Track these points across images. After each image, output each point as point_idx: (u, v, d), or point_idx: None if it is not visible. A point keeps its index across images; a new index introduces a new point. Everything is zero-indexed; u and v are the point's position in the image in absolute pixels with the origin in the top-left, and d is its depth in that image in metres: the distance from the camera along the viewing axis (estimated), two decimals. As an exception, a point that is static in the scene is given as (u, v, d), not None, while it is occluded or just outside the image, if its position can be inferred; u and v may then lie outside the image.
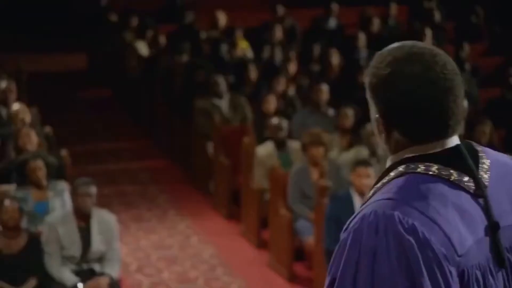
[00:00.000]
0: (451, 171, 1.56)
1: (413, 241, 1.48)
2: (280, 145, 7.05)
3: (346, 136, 7.09)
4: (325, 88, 7.77)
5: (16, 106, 7.10)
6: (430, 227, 1.50)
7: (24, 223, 5.45)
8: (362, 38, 9.94)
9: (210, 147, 8.10)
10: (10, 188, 5.86)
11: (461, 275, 1.52)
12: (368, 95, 1.67)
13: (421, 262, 1.47)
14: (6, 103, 7.37)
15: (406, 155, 1.60)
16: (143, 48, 11.13)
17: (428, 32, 9.87)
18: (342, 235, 1.57)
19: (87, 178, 5.48)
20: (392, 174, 1.59)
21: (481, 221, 1.56)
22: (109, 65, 12.30)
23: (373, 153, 6.47)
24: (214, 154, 7.95)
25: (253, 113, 8.16)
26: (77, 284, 5.20)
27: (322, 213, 5.70)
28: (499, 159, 1.67)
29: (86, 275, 5.27)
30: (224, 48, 10.18)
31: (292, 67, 9.07)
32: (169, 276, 6.43)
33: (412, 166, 1.57)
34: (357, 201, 5.60)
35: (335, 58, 9.19)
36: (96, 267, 5.34)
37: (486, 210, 1.56)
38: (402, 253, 1.47)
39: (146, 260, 6.75)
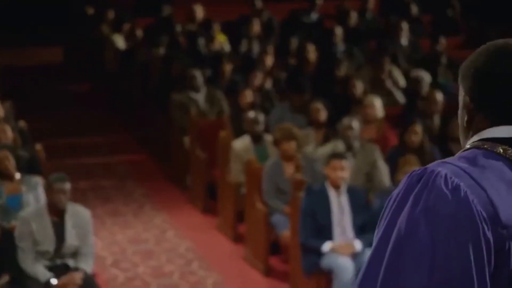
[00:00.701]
0: None
1: (450, 197, 1.45)
2: (257, 139, 7.05)
3: (320, 131, 7.09)
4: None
5: (-11, 101, 7.03)
6: (476, 191, 1.47)
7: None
8: (339, 32, 9.95)
9: (186, 141, 8.08)
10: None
11: (500, 247, 1.47)
12: (459, 77, 1.65)
13: (454, 217, 1.44)
14: (-21, 97, 7.30)
15: (477, 138, 1.60)
16: (120, 42, 11.08)
17: (405, 26, 9.90)
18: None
19: (61, 174, 5.44)
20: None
21: None
22: (86, 58, 12.23)
23: (349, 147, 6.49)
24: (191, 148, 7.93)
25: (230, 107, 8.15)
26: (50, 279, 5.16)
27: (297, 207, 5.71)
28: None
29: (60, 270, 5.24)
30: (201, 41, 10.15)
31: (269, 61, 9.06)
32: (145, 271, 6.42)
33: (480, 143, 1.58)
34: (332, 194, 5.61)
35: (312, 52, 9.19)
36: (70, 262, 5.30)
37: None
38: (432, 207, 1.45)
39: (122, 255, 6.73)
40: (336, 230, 5.55)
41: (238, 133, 7.37)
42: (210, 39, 10.24)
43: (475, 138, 1.60)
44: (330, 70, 8.68)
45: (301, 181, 5.91)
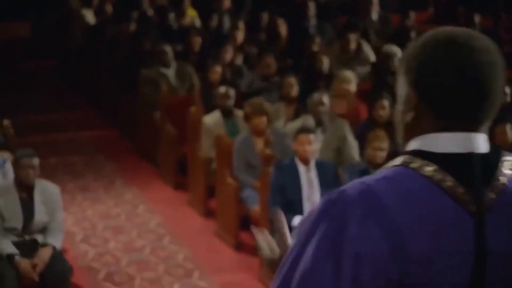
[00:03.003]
0: (448, 178, 1.42)
1: (357, 233, 1.38)
2: (227, 114, 7.04)
3: (291, 106, 7.11)
4: (272, 61, 7.75)
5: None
6: (385, 225, 1.39)
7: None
8: (312, 7, 9.94)
9: (156, 117, 8.05)
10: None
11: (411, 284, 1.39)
12: (401, 69, 1.51)
13: (358, 256, 1.38)
14: None
15: (414, 147, 1.47)
16: (89, 16, 10.97)
17: (375, 1, 9.92)
18: None
19: (29, 150, 5.39)
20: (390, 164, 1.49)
21: (460, 238, 1.41)
22: (54, 33, 12.09)
23: (319, 122, 6.51)
24: (161, 124, 7.90)
25: (200, 82, 8.13)
26: (14, 255, 5.12)
27: (267, 182, 5.73)
28: None
29: (28, 246, 5.21)
30: (171, 16, 10.08)
31: (240, 36, 9.04)
32: (116, 246, 6.41)
33: (409, 159, 1.45)
34: (301, 169, 5.64)
35: (283, 28, 9.18)
36: (39, 238, 5.28)
37: (478, 231, 1.41)
38: (338, 243, 1.40)
39: (92, 230, 6.72)
40: (306, 205, 5.58)
41: (208, 108, 7.35)
42: (181, 14, 10.17)
43: (413, 144, 1.47)
44: (301, 45, 8.68)
45: (270, 156, 5.93)
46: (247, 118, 6.44)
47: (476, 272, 1.41)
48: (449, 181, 1.41)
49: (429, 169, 1.42)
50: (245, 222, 6.46)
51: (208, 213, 6.96)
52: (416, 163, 1.43)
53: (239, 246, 6.37)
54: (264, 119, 6.34)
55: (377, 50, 8.69)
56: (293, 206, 5.53)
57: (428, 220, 1.40)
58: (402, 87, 1.50)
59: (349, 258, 1.38)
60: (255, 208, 6.16)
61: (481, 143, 1.46)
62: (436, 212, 1.40)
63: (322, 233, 1.40)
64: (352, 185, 1.44)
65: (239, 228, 6.42)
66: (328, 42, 9.41)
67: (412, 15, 9.62)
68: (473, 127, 1.46)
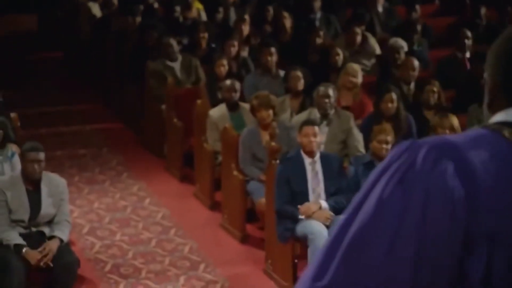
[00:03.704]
0: None
1: (427, 170, 1.35)
2: (233, 107, 7.06)
3: (297, 99, 7.12)
4: (273, 50, 7.76)
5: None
6: (461, 166, 1.36)
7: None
8: (318, 0, 9.94)
9: (163, 110, 8.07)
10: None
11: (474, 238, 1.35)
12: (488, 61, 1.56)
13: (427, 191, 1.34)
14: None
15: (494, 121, 1.50)
16: (95, 9, 10.99)
17: (381, -6, 9.91)
18: None
19: (36, 143, 5.42)
20: None
21: None
22: (61, 26, 12.12)
23: (324, 115, 6.52)
24: (167, 117, 7.92)
25: (206, 75, 8.14)
26: (23, 247, 5.15)
27: (273, 174, 5.75)
28: None
29: (35, 238, 5.25)
30: (177, 9, 10.09)
31: (246, 29, 9.04)
32: (122, 238, 6.44)
33: (490, 124, 1.48)
34: (307, 161, 5.65)
35: (288, 20, 9.18)
36: (46, 230, 5.31)
37: None
38: (408, 180, 1.35)
39: (99, 223, 6.75)
40: (311, 197, 5.60)
41: (214, 101, 7.37)
42: (187, 6, 10.18)
43: (492, 119, 1.51)
44: (307, 38, 8.68)
45: (276, 148, 5.94)
46: (253, 111, 6.46)
47: None
48: None
49: (506, 132, 1.43)
50: (251, 215, 6.49)
51: (214, 206, 6.98)
52: (495, 126, 1.45)
53: (245, 239, 6.40)
54: (270, 112, 6.35)
55: (382, 43, 8.69)
56: (299, 198, 5.55)
57: (508, 180, 1.38)
58: (486, 75, 1.55)
59: (418, 191, 1.35)
60: (261, 200, 6.18)
61: None
62: None
63: (392, 172, 1.37)
64: (426, 138, 1.44)
65: (245, 220, 6.45)
66: (334, 34, 9.41)
67: (418, 7, 9.61)
68: None
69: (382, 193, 1.36)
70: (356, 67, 7.47)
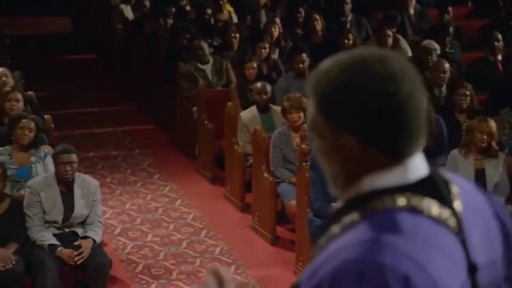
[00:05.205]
0: (430, 204, 1.37)
1: None
2: (264, 109, 7.08)
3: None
4: (305, 57, 7.75)
5: (-2, 70, 7.07)
6: (421, 276, 1.30)
7: (7, 189, 5.46)
8: (349, 2, 9.92)
9: (194, 112, 8.12)
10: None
11: None
12: (322, 111, 1.38)
13: None
14: (-12, 68, 7.33)
15: (374, 186, 1.38)
16: (128, 12, 11.08)
17: (413, -4, 9.87)
18: (309, 283, 1.34)
19: (68, 145, 5.47)
20: (357, 211, 1.38)
21: (462, 263, 1.38)
22: (94, 28, 12.24)
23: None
24: (199, 118, 7.97)
25: (237, 77, 8.17)
26: (58, 247, 5.22)
27: (303, 177, 5.76)
28: (465, 186, 1.48)
29: (68, 239, 5.31)
30: (209, 11, 10.14)
31: (276, 31, 9.06)
32: (153, 239, 6.50)
33: (389, 198, 1.37)
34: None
35: (319, 23, 9.18)
36: (79, 230, 5.37)
37: (465, 249, 1.37)
38: None
39: (131, 224, 6.81)
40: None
41: (245, 104, 7.40)
42: (218, 9, 10.23)
43: (364, 185, 1.38)
44: (337, 41, 8.67)
45: (307, 151, 5.95)
46: (284, 112, 6.47)
47: None
48: (433, 208, 1.36)
49: (413, 202, 1.36)
50: (282, 217, 6.50)
51: (245, 208, 7.01)
52: (399, 200, 1.36)
53: (276, 241, 6.42)
54: (301, 114, 6.36)
55: (414, 46, 8.65)
56: (332, 200, 5.56)
57: (443, 258, 1.35)
58: (326, 134, 1.40)
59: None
60: (292, 202, 6.19)
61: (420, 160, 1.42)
62: (442, 246, 1.36)
63: None
64: (361, 249, 1.31)
65: (276, 222, 6.46)
66: (365, 37, 9.38)
67: (451, 9, 9.55)
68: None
69: None
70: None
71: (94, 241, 5.30)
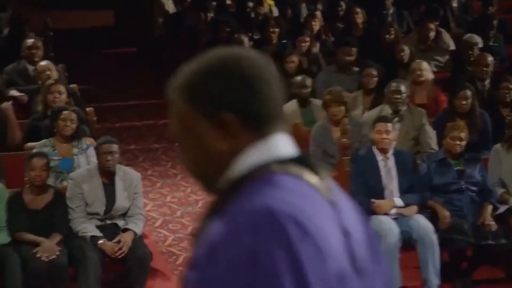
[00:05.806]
0: (304, 172, 1.42)
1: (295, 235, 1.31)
2: (304, 103, 7.06)
3: (370, 95, 7.08)
4: (354, 51, 7.71)
5: (42, 63, 7.17)
6: (305, 216, 1.34)
7: (50, 179, 5.54)
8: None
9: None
10: (38, 144, 5.93)
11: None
12: (193, 99, 1.47)
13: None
14: (32, 60, 7.43)
15: (247, 164, 1.41)
16: (169, 5, 11.14)
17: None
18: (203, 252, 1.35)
19: (110, 137, 5.53)
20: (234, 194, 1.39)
21: (336, 224, 1.41)
22: (136, 22, 12.33)
23: (396, 111, 6.46)
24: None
25: (277, 71, 8.14)
26: (100, 239, 5.27)
27: (344, 171, 5.73)
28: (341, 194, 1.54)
29: (110, 230, 5.36)
30: (249, 5, 10.14)
31: (317, 24, 9.03)
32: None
33: (264, 168, 1.41)
34: (379, 158, 5.63)
35: (360, 16, 9.12)
36: (120, 223, 5.42)
37: (339, 214, 1.42)
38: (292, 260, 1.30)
39: (171, 216, 6.85)
40: (385, 193, 5.57)
41: (285, 97, 7.37)
42: (259, 2, 10.23)
43: (240, 162, 1.41)
44: (379, 34, 8.61)
45: (347, 145, 5.92)
46: (325, 106, 6.45)
47: (351, 254, 1.40)
48: (307, 174, 1.42)
49: (291, 168, 1.41)
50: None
51: (284, 201, 7.00)
52: (275, 166, 1.41)
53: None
54: (342, 108, 6.33)
55: (457, 39, 8.55)
56: (374, 194, 5.53)
57: (324, 215, 1.40)
58: (205, 125, 1.46)
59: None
60: (331, 197, 6.16)
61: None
62: (321, 204, 1.41)
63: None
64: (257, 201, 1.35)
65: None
66: (407, 30, 9.30)
67: (495, 2, 9.41)
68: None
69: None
70: (422, 64, 7.37)
71: (135, 233, 5.34)
